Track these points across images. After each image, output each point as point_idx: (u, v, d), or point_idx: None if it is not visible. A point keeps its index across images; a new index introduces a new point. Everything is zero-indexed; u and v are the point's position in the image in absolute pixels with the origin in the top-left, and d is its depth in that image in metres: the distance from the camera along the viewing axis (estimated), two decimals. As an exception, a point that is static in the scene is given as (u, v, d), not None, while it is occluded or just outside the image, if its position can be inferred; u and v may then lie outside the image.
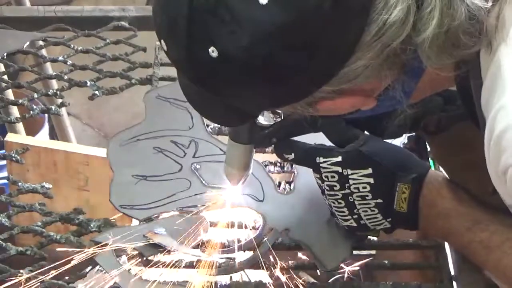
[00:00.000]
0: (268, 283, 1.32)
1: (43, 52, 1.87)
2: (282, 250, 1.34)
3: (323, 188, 1.26)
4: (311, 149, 1.27)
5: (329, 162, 1.24)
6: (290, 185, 1.44)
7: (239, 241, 1.35)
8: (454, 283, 1.29)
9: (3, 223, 1.42)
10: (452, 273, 1.30)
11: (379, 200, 1.23)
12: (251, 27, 0.95)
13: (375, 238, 1.55)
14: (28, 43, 1.83)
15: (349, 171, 1.22)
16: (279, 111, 1.29)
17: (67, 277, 1.33)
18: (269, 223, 1.36)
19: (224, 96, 1.04)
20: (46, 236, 1.39)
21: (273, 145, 1.32)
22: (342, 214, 1.26)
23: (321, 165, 1.24)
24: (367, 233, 1.30)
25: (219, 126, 1.55)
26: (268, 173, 1.46)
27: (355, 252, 1.32)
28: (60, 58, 1.79)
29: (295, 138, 1.30)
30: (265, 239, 1.34)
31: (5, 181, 2.48)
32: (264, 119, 1.30)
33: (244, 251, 1.34)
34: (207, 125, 1.55)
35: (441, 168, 1.41)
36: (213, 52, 0.97)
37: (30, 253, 1.36)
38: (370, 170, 1.21)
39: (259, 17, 0.94)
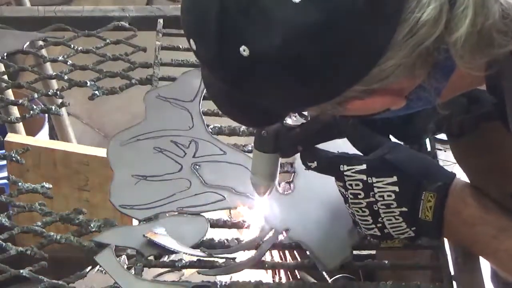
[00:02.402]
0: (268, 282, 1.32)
1: (43, 52, 1.86)
2: (282, 250, 1.34)
3: (347, 196, 1.24)
4: (334, 157, 1.25)
5: (353, 170, 1.22)
6: (290, 185, 1.44)
7: (239, 241, 1.36)
8: (454, 283, 1.29)
9: (3, 223, 1.41)
10: (452, 273, 1.30)
11: (404, 209, 1.21)
12: (283, 26, 0.94)
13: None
14: (28, 43, 1.82)
15: (374, 179, 1.21)
16: (305, 113, 1.28)
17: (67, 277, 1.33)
18: (269, 223, 1.36)
19: (254, 96, 1.02)
20: (46, 236, 1.39)
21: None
22: (365, 223, 1.25)
23: (345, 173, 1.23)
24: (390, 243, 1.29)
25: (219, 126, 1.55)
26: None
27: (355, 252, 1.32)
28: (60, 58, 1.78)
29: (320, 146, 1.29)
30: (265, 239, 1.34)
31: (5, 181, 2.47)
32: (291, 121, 1.29)
33: (244, 251, 1.34)
34: (207, 125, 1.55)
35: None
36: (244, 51, 0.95)
37: (30, 253, 1.36)
38: (395, 178, 1.20)
39: (292, 16, 0.93)
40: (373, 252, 1.60)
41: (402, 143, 1.29)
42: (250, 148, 1.51)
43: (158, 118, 1.56)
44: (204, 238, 1.35)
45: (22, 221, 1.73)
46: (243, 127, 1.53)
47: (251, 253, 1.33)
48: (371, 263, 1.35)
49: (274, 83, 0.98)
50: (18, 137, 2.36)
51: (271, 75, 0.97)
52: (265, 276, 1.80)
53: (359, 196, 1.23)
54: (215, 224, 1.39)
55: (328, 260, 1.29)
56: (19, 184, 1.50)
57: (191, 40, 1.01)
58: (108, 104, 3.40)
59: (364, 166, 1.22)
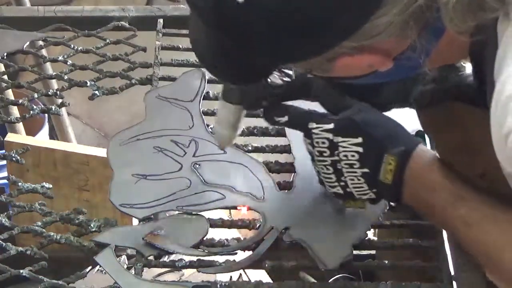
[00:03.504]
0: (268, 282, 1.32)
1: (43, 52, 1.87)
2: (282, 250, 1.34)
3: (313, 154, 1.27)
4: (305, 114, 1.28)
5: (321, 129, 1.25)
6: (290, 184, 1.44)
7: (239, 240, 1.36)
8: (454, 283, 1.29)
9: (3, 223, 1.41)
10: (452, 273, 1.30)
11: (366, 170, 1.24)
12: None
13: (375, 238, 1.56)
14: (28, 43, 1.82)
15: (340, 139, 1.24)
16: (290, 73, 1.30)
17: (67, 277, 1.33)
18: (269, 223, 1.36)
19: (245, 47, 1.03)
20: (46, 236, 1.39)
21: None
22: (329, 181, 1.28)
23: (313, 130, 1.26)
24: (354, 203, 1.31)
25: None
26: (268, 172, 1.46)
27: (355, 252, 1.32)
28: (60, 58, 1.78)
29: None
30: (265, 238, 1.34)
31: (5, 181, 2.48)
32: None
33: (244, 251, 1.34)
34: (207, 125, 1.55)
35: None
36: None
37: (30, 253, 1.36)
38: (360, 139, 1.23)
39: None
40: (373, 252, 1.60)
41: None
42: (250, 148, 1.51)
43: (158, 118, 1.56)
44: (204, 238, 1.35)
45: (22, 221, 1.73)
46: (243, 127, 1.53)
47: (251, 252, 1.33)
48: (371, 263, 1.35)
49: (268, 34, 0.99)
50: (18, 137, 2.36)
51: (266, 24, 0.98)
52: (265, 275, 1.80)
53: (324, 154, 1.25)
54: (215, 224, 1.39)
55: (328, 258, 1.29)
56: (19, 184, 1.50)
57: None
58: (108, 104, 3.41)
59: (331, 125, 1.24)
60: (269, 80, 1.29)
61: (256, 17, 0.98)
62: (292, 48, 1.02)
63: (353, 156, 1.24)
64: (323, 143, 1.25)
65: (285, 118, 1.29)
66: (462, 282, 1.26)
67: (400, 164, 1.21)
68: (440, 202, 1.20)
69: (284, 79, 1.31)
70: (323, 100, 1.31)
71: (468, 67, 1.29)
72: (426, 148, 1.26)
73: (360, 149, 1.23)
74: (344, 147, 1.24)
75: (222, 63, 1.10)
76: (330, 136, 1.24)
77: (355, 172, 1.25)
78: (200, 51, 1.11)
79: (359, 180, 1.25)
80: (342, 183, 1.27)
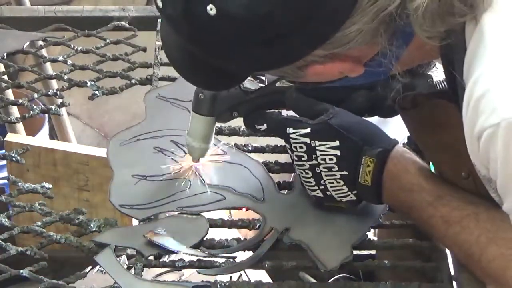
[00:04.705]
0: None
1: (43, 52, 1.87)
2: (282, 250, 1.35)
3: (292, 158, 1.29)
4: (282, 120, 1.30)
5: (298, 133, 1.27)
6: (290, 185, 1.44)
7: (239, 241, 1.36)
8: (454, 283, 1.29)
9: (3, 223, 1.41)
10: (452, 273, 1.30)
11: (345, 172, 1.26)
12: None
13: (375, 238, 1.56)
14: (28, 43, 1.83)
15: (317, 143, 1.26)
16: (263, 78, 1.31)
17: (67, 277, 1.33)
18: (269, 223, 1.36)
19: (217, 57, 1.04)
20: (46, 236, 1.39)
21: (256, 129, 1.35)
22: (309, 184, 1.30)
23: (290, 135, 1.28)
24: (335, 204, 1.32)
25: (219, 126, 1.55)
26: (268, 173, 1.46)
27: (355, 252, 1.32)
28: (60, 58, 1.78)
29: None
30: (265, 239, 1.34)
31: (5, 181, 2.47)
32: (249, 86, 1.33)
33: (244, 251, 1.34)
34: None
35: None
36: (211, 10, 0.96)
37: (30, 253, 1.36)
38: (337, 143, 1.25)
39: None
40: (373, 252, 1.60)
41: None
42: (250, 148, 1.51)
43: (158, 118, 1.56)
44: (204, 238, 1.35)
45: (22, 221, 1.73)
46: (243, 127, 1.53)
47: (251, 253, 1.33)
48: (371, 263, 1.35)
49: (239, 44, 1.00)
50: (18, 137, 2.35)
51: (237, 35, 0.98)
52: (265, 276, 1.80)
53: (303, 159, 1.28)
54: (215, 224, 1.39)
55: (328, 260, 1.29)
56: (19, 184, 1.50)
57: None
58: (108, 104, 3.41)
59: (308, 130, 1.26)
60: (241, 85, 1.30)
61: (227, 28, 0.98)
62: (263, 58, 1.02)
63: (331, 159, 1.26)
64: (301, 147, 1.27)
65: (265, 126, 1.32)
66: (462, 282, 1.26)
67: (378, 166, 1.23)
68: (418, 202, 1.22)
69: (259, 83, 1.32)
70: (297, 108, 1.33)
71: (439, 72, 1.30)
72: (404, 148, 1.28)
73: (338, 152, 1.25)
74: (321, 151, 1.26)
75: (194, 70, 1.10)
76: (307, 140, 1.26)
77: (334, 175, 1.27)
78: (173, 56, 1.12)
79: (338, 182, 1.27)
80: (322, 187, 1.29)
